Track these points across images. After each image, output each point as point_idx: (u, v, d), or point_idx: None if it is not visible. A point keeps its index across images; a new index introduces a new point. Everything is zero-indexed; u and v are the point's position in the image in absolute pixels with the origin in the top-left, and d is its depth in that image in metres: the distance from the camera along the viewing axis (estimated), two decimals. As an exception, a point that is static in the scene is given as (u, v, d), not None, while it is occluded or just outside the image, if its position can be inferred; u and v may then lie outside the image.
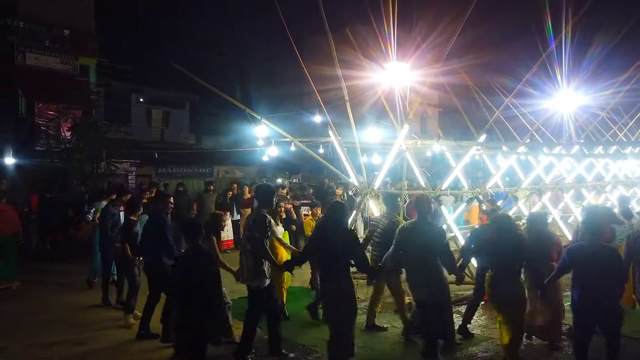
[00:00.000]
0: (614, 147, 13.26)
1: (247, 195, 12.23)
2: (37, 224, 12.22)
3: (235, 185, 12.52)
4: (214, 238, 5.62)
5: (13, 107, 19.60)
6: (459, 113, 12.09)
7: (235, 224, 12.02)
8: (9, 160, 14.76)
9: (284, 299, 6.58)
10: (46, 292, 8.23)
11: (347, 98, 8.08)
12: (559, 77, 11.59)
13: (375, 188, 8.76)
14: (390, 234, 5.62)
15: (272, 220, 5.98)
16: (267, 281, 5.04)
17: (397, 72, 9.19)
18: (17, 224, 8.75)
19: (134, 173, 19.82)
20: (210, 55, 27.66)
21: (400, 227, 5.27)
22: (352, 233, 5.21)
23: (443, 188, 9.68)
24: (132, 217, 6.59)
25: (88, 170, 15.84)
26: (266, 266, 5.01)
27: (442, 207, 10.59)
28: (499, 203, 10.06)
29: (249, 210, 11.67)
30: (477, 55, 14.56)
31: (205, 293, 4.14)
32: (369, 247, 6.40)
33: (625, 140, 14.61)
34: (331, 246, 4.56)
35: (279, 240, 6.51)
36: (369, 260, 5.39)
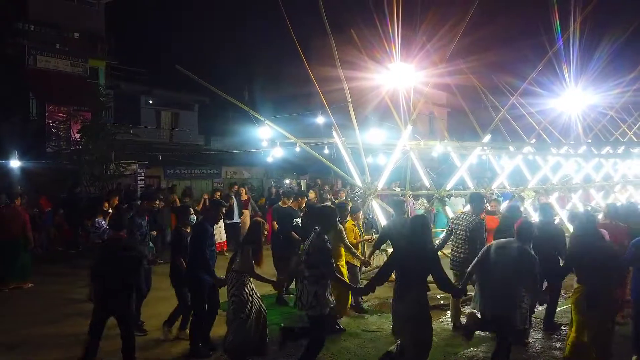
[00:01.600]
0: (623, 147, 13.10)
1: (244, 197, 12.05)
2: (66, 220, 12.37)
3: (236, 187, 12.33)
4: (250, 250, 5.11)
5: (24, 109, 19.88)
6: (465, 113, 12.06)
7: (234, 226, 11.44)
8: (20, 163, 15.02)
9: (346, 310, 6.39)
10: (58, 293, 8.11)
11: (349, 100, 8.11)
12: (566, 75, 11.52)
13: (379, 188, 8.78)
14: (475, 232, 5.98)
15: (341, 227, 6.20)
16: (328, 309, 4.72)
17: (401, 73, 9.21)
18: (28, 226, 8.88)
19: (143, 174, 19.97)
20: (217, 57, 27.85)
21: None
22: (434, 250, 5.10)
23: (448, 188, 9.68)
24: (184, 228, 5.94)
25: (97, 172, 16.03)
26: (329, 293, 4.74)
27: (447, 207, 10.57)
28: (504, 204, 10.00)
29: (247, 212, 11.77)
30: (484, 55, 14.51)
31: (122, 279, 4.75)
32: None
33: (634, 139, 14.45)
34: (412, 262, 4.36)
35: (347, 248, 6.31)
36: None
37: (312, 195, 8.67)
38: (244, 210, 11.80)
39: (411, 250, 4.40)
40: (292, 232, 7.47)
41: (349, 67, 10.41)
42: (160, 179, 20.90)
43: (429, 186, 10.40)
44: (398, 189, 12.53)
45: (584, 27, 10.57)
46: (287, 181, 22.15)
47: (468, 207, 6.64)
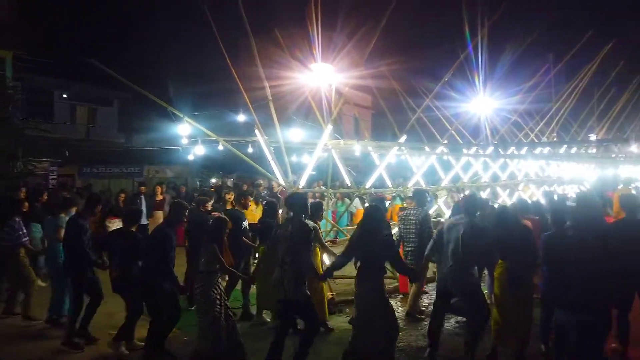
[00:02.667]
0: (525, 148, 14.30)
1: (160, 197, 11.46)
2: None
3: (164, 187, 11.92)
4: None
5: None
6: (387, 115, 12.57)
7: (141, 228, 10.98)
8: None
9: (326, 312, 6.32)
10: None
11: (270, 98, 8.16)
12: (476, 81, 12.38)
13: (301, 187, 8.92)
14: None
15: (317, 225, 6.13)
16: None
17: (322, 73, 9.44)
18: None
19: (55, 173, 18.72)
20: (139, 51, 26.64)
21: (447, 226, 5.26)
22: (391, 236, 5.28)
23: (367, 187, 10.06)
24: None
25: (2, 170, 14.79)
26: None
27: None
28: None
29: (161, 214, 11.05)
30: (404, 59, 15.19)
31: None
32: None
33: (535, 140, 15.82)
34: (370, 249, 4.57)
35: (323, 246, 6.35)
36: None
37: (229, 197, 8.48)
38: (156, 211, 11.18)
39: (370, 238, 4.63)
40: (243, 238, 7.02)
41: (271, 66, 10.48)
42: (75, 178, 19.70)
43: (349, 184, 10.74)
44: (321, 188, 12.77)
45: (490, 36, 11.45)
46: (213, 180, 21.78)
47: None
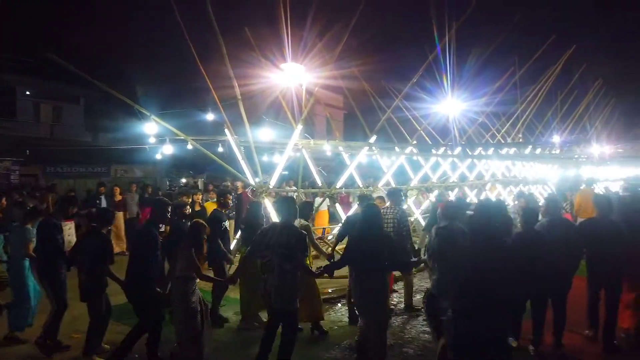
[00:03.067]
0: (492, 149, 14.66)
1: (118, 197, 11.09)
2: None
3: (103, 188, 11.37)
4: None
5: None
6: (362, 115, 12.66)
7: None
8: None
9: (321, 312, 6.12)
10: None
11: (239, 97, 8.10)
12: (445, 82, 12.60)
13: (271, 187, 8.90)
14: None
15: (309, 224, 6.06)
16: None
17: (292, 72, 9.43)
18: None
19: (17, 172, 18.09)
20: (106, 48, 26.04)
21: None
22: (389, 233, 5.37)
23: (338, 186, 10.11)
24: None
25: (-41, 170, 14.23)
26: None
27: (337, 205, 11.02)
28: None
29: (121, 215, 10.76)
30: (375, 60, 15.33)
31: None
32: None
33: (502, 141, 16.23)
34: (370, 247, 4.63)
35: (315, 245, 6.37)
36: None
37: (186, 199, 8.27)
38: (115, 212, 10.86)
39: (370, 235, 4.70)
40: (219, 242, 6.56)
41: (242, 65, 10.41)
42: (38, 178, 19.09)
43: (320, 184, 10.78)
44: (291, 187, 12.75)
45: (458, 39, 11.67)
46: (183, 180, 21.47)
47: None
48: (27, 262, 5.67)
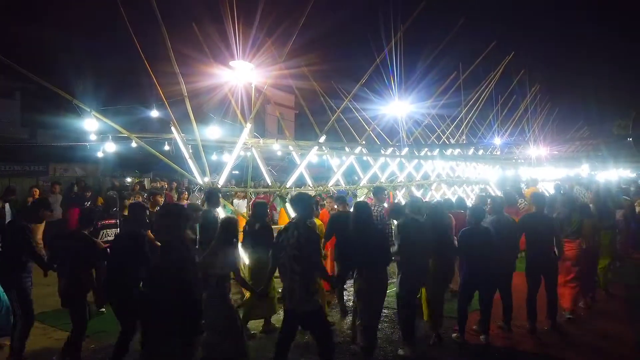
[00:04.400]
0: (437, 149, 15.15)
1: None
2: None
3: (37, 190, 10.75)
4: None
5: None
6: (313, 115, 12.71)
7: None
8: None
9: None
10: None
11: (185, 94, 7.94)
12: (392, 84, 12.88)
13: (220, 186, 8.76)
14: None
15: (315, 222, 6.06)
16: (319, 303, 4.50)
17: (241, 70, 9.33)
18: None
19: (-57, 171, 16.82)
20: (43, 40, 24.68)
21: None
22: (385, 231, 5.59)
23: (288, 185, 10.10)
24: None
25: None
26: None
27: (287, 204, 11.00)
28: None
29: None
30: (324, 60, 15.45)
31: None
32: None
33: (447, 142, 16.83)
34: (374, 241, 4.83)
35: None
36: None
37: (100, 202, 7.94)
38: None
39: (370, 230, 4.95)
40: None
41: (190, 62, 10.20)
42: (-32, 177, 17.84)
43: (270, 183, 10.72)
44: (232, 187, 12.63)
45: (405, 42, 11.97)
46: (128, 179, 20.68)
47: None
48: None
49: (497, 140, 19.10)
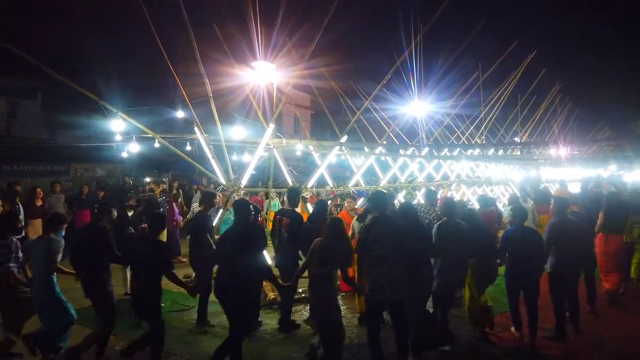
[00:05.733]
0: (457, 150, 15.03)
1: (39, 202, 10.07)
2: None
3: (86, 189, 10.93)
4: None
5: None
6: (330, 115, 12.72)
7: None
8: None
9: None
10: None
11: (210, 94, 7.99)
12: (412, 84, 12.83)
13: (242, 186, 8.81)
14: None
15: None
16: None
17: (263, 71, 9.37)
18: None
19: (-31, 171, 17.22)
20: (66, 41, 25.10)
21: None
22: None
23: (309, 186, 10.12)
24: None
25: None
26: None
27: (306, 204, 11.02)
28: (360, 201, 10.80)
29: (39, 222, 9.64)
30: (344, 60, 15.45)
31: None
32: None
33: (466, 143, 16.69)
34: (414, 245, 4.83)
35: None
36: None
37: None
38: (33, 220, 9.79)
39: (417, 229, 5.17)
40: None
41: (212, 63, 10.26)
42: (-7, 177, 18.19)
43: (291, 184, 10.75)
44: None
45: (425, 42, 11.92)
46: (147, 179, 20.94)
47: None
48: (54, 279, 5.06)
49: (518, 141, 18.90)
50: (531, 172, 17.06)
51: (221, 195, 9.79)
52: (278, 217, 6.41)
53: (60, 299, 5.03)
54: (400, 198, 11.61)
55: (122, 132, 8.98)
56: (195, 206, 10.39)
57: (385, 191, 8.23)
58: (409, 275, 4.81)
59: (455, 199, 7.88)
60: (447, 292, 5.45)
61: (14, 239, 5.18)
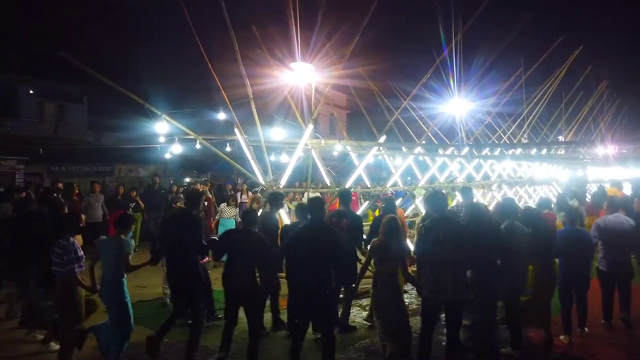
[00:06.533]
0: (499, 149, 14.63)
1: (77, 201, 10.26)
2: None
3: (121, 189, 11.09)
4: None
5: None
6: (364, 115, 12.64)
7: None
8: None
9: None
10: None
11: (251, 96, 8.09)
12: (451, 83, 12.57)
13: (281, 186, 8.88)
14: None
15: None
16: None
17: (302, 72, 9.41)
18: None
19: (22, 171, 18.09)
20: (110, 47, 26.04)
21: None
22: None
23: (347, 186, 10.09)
24: None
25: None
26: None
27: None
28: (398, 201, 10.69)
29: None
30: (381, 60, 15.31)
31: None
32: None
33: (508, 142, 16.22)
34: (480, 248, 4.74)
35: None
36: None
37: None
38: None
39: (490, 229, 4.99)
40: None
41: (251, 64, 10.38)
42: (44, 177, 19.09)
43: (329, 184, 10.76)
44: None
45: (465, 39, 11.66)
46: (187, 180, 21.44)
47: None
48: (125, 281, 5.11)
49: (562, 140, 18.23)
50: (577, 172, 16.41)
51: (254, 196, 9.89)
52: (335, 218, 6.33)
53: (127, 304, 5.04)
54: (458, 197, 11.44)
55: (165, 134, 9.25)
56: (223, 206, 10.49)
57: (444, 191, 8.17)
58: (473, 279, 4.72)
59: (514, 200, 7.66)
60: (513, 295, 5.32)
61: (73, 240, 5.12)
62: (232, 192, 13.90)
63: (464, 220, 5.26)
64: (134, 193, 12.02)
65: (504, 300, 5.32)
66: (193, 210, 5.39)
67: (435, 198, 5.02)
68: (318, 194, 11.20)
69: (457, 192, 12.85)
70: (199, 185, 13.83)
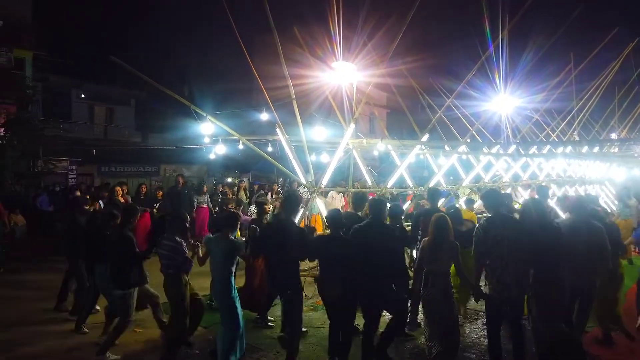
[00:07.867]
0: (547, 147, 14.08)
1: (122, 199, 10.06)
2: None
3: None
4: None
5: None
6: (405, 114, 12.46)
7: None
8: None
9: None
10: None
11: (293, 97, 8.12)
12: (497, 80, 12.20)
13: (323, 186, 8.88)
14: None
15: None
16: None
17: (343, 71, 9.37)
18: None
19: (74, 172, 18.97)
20: (155, 50, 26.88)
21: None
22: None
23: (388, 186, 9.98)
24: None
25: (22, 169, 15.01)
26: None
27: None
28: (441, 201, 10.46)
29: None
30: (423, 57, 15.08)
31: None
32: None
33: (557, 140, 15.58)
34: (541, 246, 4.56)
35: None
36: None
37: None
38: None
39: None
40: None
41: (292, 64, 10.44)
42: (94, 177, 19.95)
43: (370, 184, 10.67)
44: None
45: (512, 35, 11.27)
46: (228, 179, 21.84)
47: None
48: (233, 281, 4.98)
49: (615, 137, 17.34)
50: (634, 171, 15.57)
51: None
52: (422, 218, 6.22)
53: (236, 304, 4.91)
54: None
55: (209, 135, 9.43)
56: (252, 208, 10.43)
57: (501, 189, 7.96)
58: (537, 280, 4.56)
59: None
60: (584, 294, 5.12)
61: (180, 240, 5.02)
62: (262, 192, 14.03)
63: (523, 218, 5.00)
64: (160, 193, 12.09)
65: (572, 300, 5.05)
66: (291, 217, 5.15)
67: (491, 196, 4.96)
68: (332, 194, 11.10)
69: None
70: (221, 186, 13.98)
